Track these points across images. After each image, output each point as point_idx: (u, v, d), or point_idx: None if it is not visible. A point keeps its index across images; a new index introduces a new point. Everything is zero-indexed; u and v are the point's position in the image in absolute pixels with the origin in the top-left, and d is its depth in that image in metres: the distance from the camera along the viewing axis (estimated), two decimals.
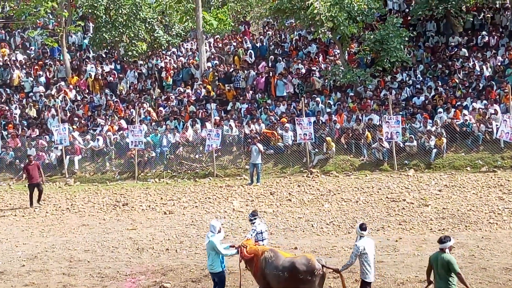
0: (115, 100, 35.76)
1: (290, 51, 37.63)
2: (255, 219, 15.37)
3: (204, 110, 33.32)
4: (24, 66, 40.84)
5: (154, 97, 35.88)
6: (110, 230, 22.45)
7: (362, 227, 13.42)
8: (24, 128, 34.80)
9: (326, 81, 33.70)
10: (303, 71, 34.81)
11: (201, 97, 35.02)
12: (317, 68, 34.61)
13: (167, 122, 32.84)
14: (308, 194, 25.41)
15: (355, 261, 13.39)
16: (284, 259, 13.63)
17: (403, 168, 27.94)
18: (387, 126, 27.95)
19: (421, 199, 23.37)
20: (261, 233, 15.28)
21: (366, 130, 29.31)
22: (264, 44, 38.56)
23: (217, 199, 25.78)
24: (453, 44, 34.44)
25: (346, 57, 34.37)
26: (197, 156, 31.07)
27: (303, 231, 20.95)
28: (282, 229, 21.30)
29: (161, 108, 34.34)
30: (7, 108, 37.05)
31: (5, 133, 34.23)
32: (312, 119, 29.28)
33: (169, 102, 34.94)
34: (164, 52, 40.91)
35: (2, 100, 38.16)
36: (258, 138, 29.27)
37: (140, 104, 34.32)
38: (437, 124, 28.50)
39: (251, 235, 15.11)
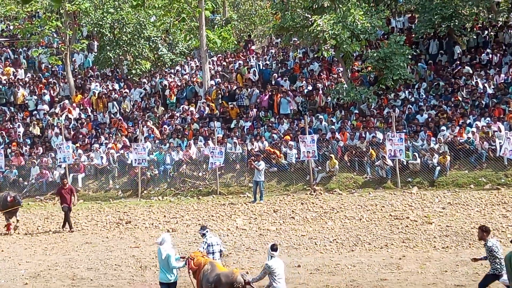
0: (119, 118, 35.84)
1: (294, 69, 37.68)
2: (206, 232, 16.37)
3: (207, 128, 33.35)
4: (28, 85, 40.95)
5: (157, 115, 35.96)
6: (113, 248, 22.43)
7: (273, 248, 14.32)
8: (28, 146, 34.88)
9: (329, 99, 33.72)
10: (308, 88, 34.84)
11: (204, 115, 35.08)
12: (320, 86, 34.63)
13: (171, 140, 32.89)
14: (311, 212, 25.37)
15: (264, 277, 14.23)
16: (217, 272, 14.49)
17: (406, 185, 27.89)
18: (390, 144, 27.94)
19: (424, 217, 23.32)
20: (211, 245, 16.15)
21: (370, 147, 29.28)
22: (269, 66, 38.45)
23: (220, 217, 25.75)
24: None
25: (349, 75, 34.44)
26: (200, 174, 31.07)
27: (306, 249, 20.90)
28: (285, 247, 21.25)
29: (164, 126, 34.39)
30: (11, 126, 37.14)
31: (9, 151, 34.28)
32: (316, 136, 29.28)
33: (172, 120, 35.01)
34: (167, 70, 41.05)
35: (6, 118, 38.26)
36: (261, 156, 29.27)
37: (143, 122, 34.39)
38: (440, 142, 28.47)
39: (203, 247, 16.02)
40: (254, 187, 27.80)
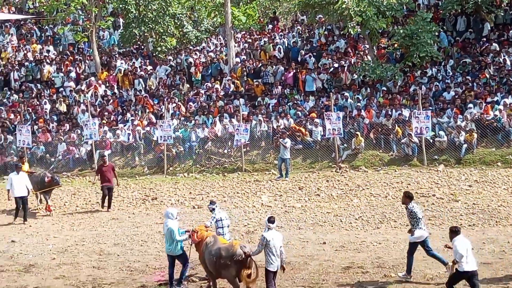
0: (144, 95, 35.93)
1: (319, 46, 37.47)
2: (214, 207, 16.59)
3: (232, 105, 33.35)
4: (55, 62, 41.16)
5: (183, 92, 35.99)
6: (140, 224, 22.60)
7: (270, 220, 14.45)
8: (55, 122, 35.12)
9: (355, 76, 33.55)
10: (333, 66, 34.67)
11: (229, 92, 35.05)
12: (346, 63, 34.44)
13: (196, 117, 32.94)
14: (336, 189, 25.36)
15: (262, 250, 14.30)
16: (218, 245, 14.75)
17: (432, 163, 27.72)
18: (416, 121, 27.76)
19: (451, 195, 23.23)
20: (220, 220, 16.35)
21: (396, 125, 29.13)
22: (294, 43, 38.17)
23: (245, 194, 25.82)
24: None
25: (375, 52, 34.21)
26: (225, 151, 31.12)
27: (332, 226, 20.93)
28: (311, 224, 21.30)
29: (190, 103, 34.44)
30: (37, 103, 37.38)
31: (35, 127, 34.53)
32: (341, 114, 29.16)
33: (198, 97, 35.02)
34: (193, 47, 41.02)
35: (33, 95, 38.51)
36: (287, 133, 29.23)
37: (169, 99, 34.45)
38: (467, 119, 28.25)
39: (211, 222, 16.30)
40: (280, 164, 27.80)
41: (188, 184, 28.19)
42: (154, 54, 40.64)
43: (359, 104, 31.21)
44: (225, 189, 26.78)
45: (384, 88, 32.30)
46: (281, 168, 27.69)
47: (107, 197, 24.98)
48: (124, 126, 33.27)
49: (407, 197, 16.09)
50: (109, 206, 24.98)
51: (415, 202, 16.43)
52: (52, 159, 32.62)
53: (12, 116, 36.43)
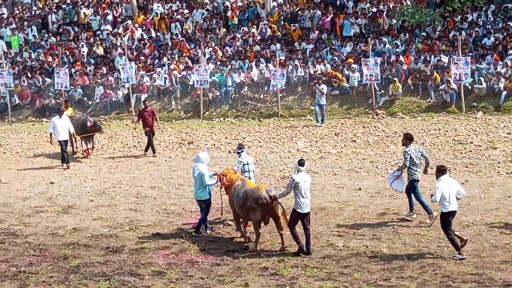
0: (181, 39, 35.82)
1: None
2: (241, 151, 16.81)
3: (269, 50, 33.13)
4: (92, 5, 41.13)
5: (219, 36, 35.79)
6: (176, 167, 22.76)
7: (300, 163, 14.37)
8: (92, 66, 35.26)
9: (394, 21, 33.03)
10: (372, 10, 34.15)
11: (266, 36, 34.79)
12: (384, 8, 33.89)
13: (232, 61, 32.82)
14: (373, 136, 25.24)
15: (290, 192, 14.21)
16: (245, 188, 14.82)
17: (471, 110, 27.42)
18: (455, 68, 27.37)
19: (489, 142, 23.01)
20: (247, 164, 16.57)
21: (434, 71, 28.75)
22: None
23: (281, 139, 25.82)
24: None
25: None
26: (261, 96, 31.05)
27: (367, 173, 20.88)
28: (346, 170, 21.28)
29: (226, 48, 34.28)
30: (75, 46, 37.50)
31: (73, 70, 34.71)
32: (379, 59, 28.83)
33: (234, 42, 34.84)
34: None
35: (70, 38, 38.61)
36: (323, 78, 29.04)
37: (205, 44, 34.32)
38: (507, 66, 27.77)
39: (238, 166, 16.42)
40: (316, 110, 27.64)
41: (224, 129, 28.25)
42: None
43: (397, 49, 30.79)
44: (261, 135, 26.80)
45: (423, 34, 31.77)
46: (318, 114, 27.55)
47: (148, 142, 24.94)
48: (161, 70, 33.28)
49: (407, 139, 16.37)
50: (146, 150, 25.00)
51: (416, 145, 16.99)
52: (90, 102, 32.86)
53: (50, 58, 36.63)
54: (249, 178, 16.21)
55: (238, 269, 13.42)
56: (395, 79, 28.73)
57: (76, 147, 26.12)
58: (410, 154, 16.00)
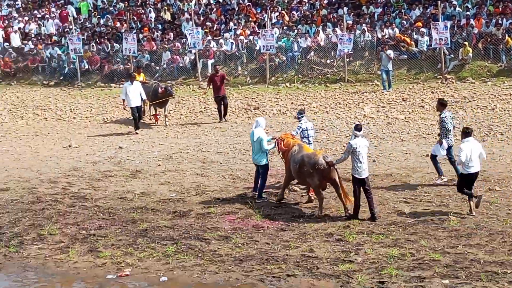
0: (248, 3, 35.70)
1: None
2: (302, 117, 16.70)
3: (336, 14, 32.75)
4: None
5: (286, 0, 35.51)
6: (242, 133, 22.82)
7: (357, 128, 14.26)
8: (159, 31, 35.49)
9: None
10: None
11: (333, 0, 34.38)
12: None
13: (299, 26, 32.58)
14: None
15: (347, 157, 14.18)
16: (302, 153, 14.85)
17: None
18: None
19: None
20: (306, 130, 16.47)
21: (506, 35, 28.00)
22: None
23: (347, 105, 25.64)
24: None
25: None
26: (328, 61, 30.80)
27: (436, 138, 20.48)
28: (414, 135, 21.01)
29: (293, 12, 34.03)
30: (142, 11, 37.77)
31: (141, 36, 35.00)
32: (449, 23, 28.19)
33: (301, 6, 34.54)
34: None
35: (138, 3, 38.90)
36: (391, 43, 28.62)
37: (272, 8, 34.11)
38: None
39: (296, 132, 16.48)
40: (384, 75, 27.25)
41: (290, 94, 28.17)
42: None
43: (467, 13, 30.06)
44: (327, 100, 26.64)
45: None
46: (385, 80, 27.17)
47: (222, 106, 24.95)
48: (227, 35, 33.27)
49: (441, 105, 16.52)
50: (224, 115, 25.01)
51: (449, 111, 16.93)
52: (157, 68, 33.14)
53: (118, 24, 37.02)
54: (309, 144, 16.21)
55: (304, 234, 13.43)
56: (466, 43, 28.09)
57: (150, 114, 26.28)
58: (446, 123, 16.14)
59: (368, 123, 22.81)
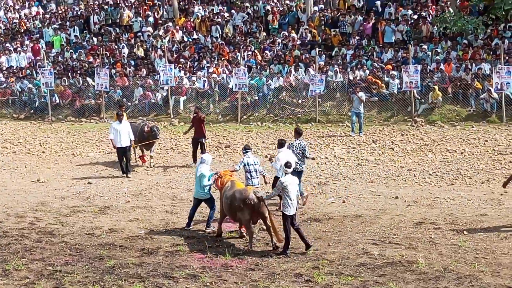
0: (221, 42, 35.91)
1: None
2: (246, 152, 17.28)
3: (309, 55, 33.05)
4: (133, 6, 41.49)
5: (259, 40, 35.79)
6: (213, 171, 22.67)
7: (287, 165, 14.79)
8: (132, 67, 35.52)
9: (436, 28, 32.70)
10: (413, 17, 33.85)
11: (306, 41, 34.72)
12: (427, 15, 33.57)
13: (271, 65, 32.80)
14: (411, 144, 25.02)
15: (277, 194, 14.94)
16: (234, 189, 15.36)
17: None
18: (497, 77, 27.08)
19: None
20: (249, 165, 16.96)
21: (475, 80, 28.42)
22: None
23: (318, 145, 25.74)
24: None
25: (458, 3, 33.26)
26: (300, 101, 30.99)
27: (405, 181, 20.69)
28: (383, 177, 21.11)
29: (266, 52, 34.28)
30: (116, 47, 37.83)
31: (113, 71, 35.00)
32: (419, 67, 28.58)
33: (274, 46, 34.83)
34: None
35: (112, 38, 38.97)
36: (362, 85, 28.91)
37: (245, 47, 34.36)
38: None
39: (239, 166, 17.13)
40: (354, 118, 27.29)
41: (262, 133, 28.25)
42: (232, 1, 40.47)
43: (437, 57, 30.50)
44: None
45: (465, 42, 31.42)
46: (354, 123, 27.15)
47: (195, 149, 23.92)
48: (200, 72, 33.39)
49: (297, 133, 18.69)
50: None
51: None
52: (129, 104, 33.08)
53: (91, 59, 37.01)
54: (252, 178, 16.88)
55: (272, 274, 13.36)
56: (435, 86, 28.45)
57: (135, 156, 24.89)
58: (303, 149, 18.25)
59: (338, 163, 22.93)
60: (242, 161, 17.10)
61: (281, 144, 18.04)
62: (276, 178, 17.22)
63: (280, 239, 14.77)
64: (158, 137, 24.29)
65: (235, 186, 15.54)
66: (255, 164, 17.08)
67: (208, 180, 16.42)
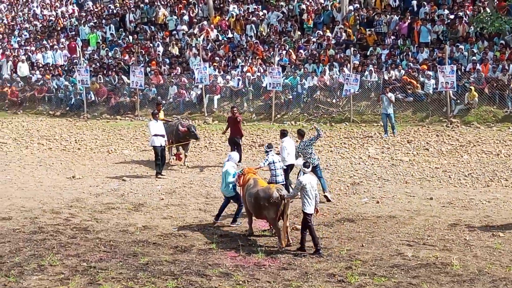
0: (255, 41, 35.92)
1: None
2: (270, 151, 17.50)
3: (343, 54, 32.92)
4: (169, 4, 41.69)
5: (294, 39, 35.72)
6: (238, 168, 22.70)
7: (305, 165, 15.05)
8: (167, 65, 35.68)
9: (472, 28, 32.36)
10: (450, 17, 33.53)
11: (341, 40, 34.58)
12: (463, 15, 33.22)
13: (306, 65, 32.73)
14: (446, 144, 24.83)
15: (298, 193, 14.85)
16: (257, 187, 15.55)
17: None
18: None
19: None
20: (273, 163, 17.23)
21: None
22: None
23: (352, 145, 25.66)
24: None
25: (495, 3, 32.87)
26: (334, 101, 30.89)
27: (440, 182, 20.54)
28: (418, 178, 20.98)
29: (300, 51, 34.21)
30: (151, 45, 38.03)
31: (148, 69, 35.18)
32: (455, 67, 28.30)
33: (308, 45, 34.75)
34: None
35: (147, 37, 39.18)
36: (397, 85, 28.72)
37: (279, 46, 34.33)
38: None
39: (263, 164, 17.45)
40: (384, 120, 27.08)
41: (295, 132, 28.11)
42: (267, 0, 40.42)
43: (474, 57, 30.19)
44: (332, 139, 26.68)
45: (502, 42, 31.05)
46: (386, 125, 26.98)
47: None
48: (234, 71, 33.46)
49: (299, 135, 19.36)
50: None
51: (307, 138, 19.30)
52: (163, 102, 33.21)
53: (126, 57, 37.26)
54: (276, 176, 17.12)
55: (305, 274, 13.34)
56: (471, 87, 28.16)
57: (170, 156, 24.66)
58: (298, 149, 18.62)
59: (372, 164, 22.83)
60: (267, 159, 17.35)
61: (283, 134, 19.21)
62: (285, 170, 17.91)
63: (286, 241, 15.07)
64: (198, 137, 24.52)
65: (258, 184, 15.74)
66: (278, 162, 17.37)
67: (233, 177, 16.68)
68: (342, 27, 35.18)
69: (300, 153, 18.48)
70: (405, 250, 14.58)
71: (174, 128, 23.91)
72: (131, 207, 18.79)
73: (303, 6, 37.87)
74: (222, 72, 33.65)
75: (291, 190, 16.86)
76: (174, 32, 39.22)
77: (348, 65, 30.71)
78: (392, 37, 33.52)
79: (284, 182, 17.40)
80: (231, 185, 16.75)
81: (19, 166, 24.74)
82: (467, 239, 15.30)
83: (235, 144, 23.54)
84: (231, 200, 17.12)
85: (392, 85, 28.75)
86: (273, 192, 14.99)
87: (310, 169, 15.04)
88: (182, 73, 34.53)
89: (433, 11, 34.04)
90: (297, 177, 16.35)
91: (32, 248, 15.18)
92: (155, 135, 22.25)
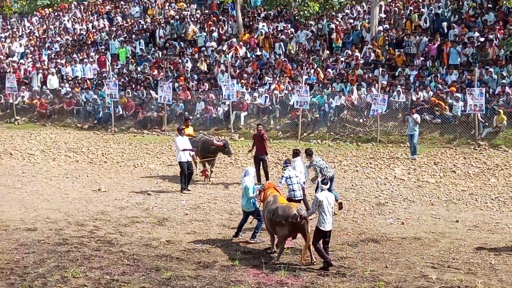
0: (284, 59, 35.97)
1: (466, 18, 36.07)
2: (287, 166, 17.98)
3: (371, 74, 32.84)
4: (198, 21, 41.95)
5: (322, 58, 35.73)
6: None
7: (323, 182, 15.29)
8: (195, 81, 35.85)
9: (502, 51, 32.14)
10: (480, 39, 33.32)
11: (369, 60, 34.53)
12: (494, 38, 33.01)
13: (334, 84, 32.70)
14: (474, 167, 24.62)
15: (316, 210, 14.92)
16: (277, 205, 15.50)
17: None
18: None
19: None
20: (289, 178, 17.34)
21: None
22: (441, 14, 36.65)
23: (378, 165, 25.53)
24: None
25: None
26: (361, 120, 30.81)
27: (466, 205, 20.35)
28: (444, 200, 20.80)
29: (328, 70, 34.21)
30: (179, 61, 38.24)
31: (176, 85, 35.36)
32: (484, 90, 28.10)
33: (337, 64, 34.73)
34: (335, 13, 40.50)
35: (176, 53, 39.42)
36: (425, 106, 28.59)
37: (308, 65, 34.34)
38: None
39: (280, 181, 17.54)
40: (410, 140, 26.92)
41: (321, 151, 28.13)
42: (296, 18, 40.51)
43: (504, 80, 29.97)
44: (358, 159, 26.57)
45: None
46: (412, 145, 26.74)
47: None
48: (262, 88, 33.52)
49: (308, 155, 19.48)
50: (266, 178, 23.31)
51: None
52: (190, 117, 33.28)
53: (155, 72, 37.49)
54: (295, 191, 17.24)
55: None
56: (500, 110, 27.95)
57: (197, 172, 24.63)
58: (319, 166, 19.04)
59: (398, 185, 22.69)
60: (283, 176, 17.50)
61: (295, 153, 19.48)
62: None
63: (306, 258, 15.09)
64: (231, 153, 25.08)
65: (278, 201, 15.73)
66: (295, 177, 17.43)
67: (253, 192, 16.74)
68: (371, 47, 35.12)
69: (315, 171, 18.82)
70: (430, 273, 14.45)
71: (200, 143, 24.03)
72: (155, 221, 18.84)
73: (332, 26, 37.86)
74: (249, 89, 33.74)
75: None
76: (203, 48, 39.43)
77: (376, 85, 30.63)
78: (421, 58, 33.37)
79: (302, 197, 17.53)
80: (251, 201, 16.80)
81: (46, 178, 24.93)
82: (492, 263, 15.13)
83: (260, 161, 23.50)
84: (252, 216, 17.08)
85: (420, 106, 28.61)
86: (292, 211, 14.97)
87: (328, 186, 15.19)
88: (209, 89, 34.69)
89: (463, 33, 33.84)
90: (315, 194, 16.44)
91: (56, 260, 15.26)
92: (183, 150, 22.34)
